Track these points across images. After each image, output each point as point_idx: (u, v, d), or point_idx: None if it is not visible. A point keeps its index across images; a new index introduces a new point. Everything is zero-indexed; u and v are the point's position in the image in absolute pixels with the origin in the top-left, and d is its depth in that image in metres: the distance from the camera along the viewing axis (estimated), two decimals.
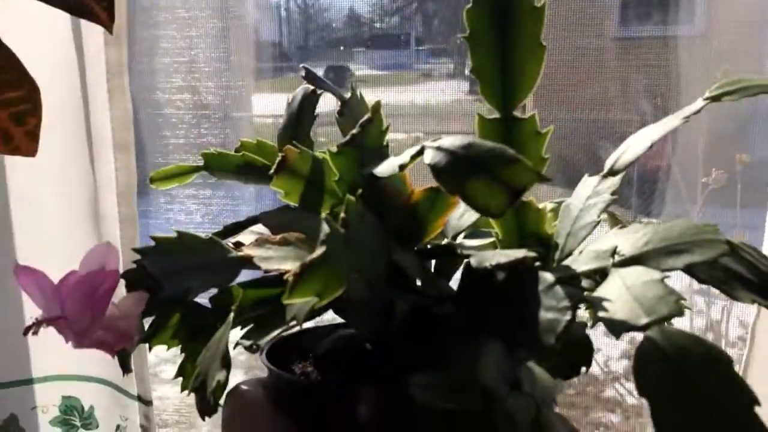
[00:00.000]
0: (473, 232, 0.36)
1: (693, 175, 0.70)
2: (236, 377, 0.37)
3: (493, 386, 0.24)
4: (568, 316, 0.24)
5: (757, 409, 0.22)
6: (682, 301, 0.25)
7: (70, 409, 0.68)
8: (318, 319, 0.39)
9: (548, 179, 0.24)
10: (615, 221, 0.40)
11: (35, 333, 0.30)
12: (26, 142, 0.32)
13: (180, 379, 0.38)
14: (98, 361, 0.67)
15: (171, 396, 0.83)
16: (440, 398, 0.23)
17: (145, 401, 0.68)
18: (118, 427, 0.69)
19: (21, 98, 0.31)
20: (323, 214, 0.34)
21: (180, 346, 0.37)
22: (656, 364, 0.23)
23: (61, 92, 0.60)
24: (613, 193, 0.33)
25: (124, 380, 0.68)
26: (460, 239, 0.36)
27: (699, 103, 0.33)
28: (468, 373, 0.24)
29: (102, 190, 0.64)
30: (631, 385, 0.76)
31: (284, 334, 0.39)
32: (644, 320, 0.24)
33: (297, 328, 0.40)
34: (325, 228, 0.24)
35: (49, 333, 0.65)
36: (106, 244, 0.32)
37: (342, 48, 0.91)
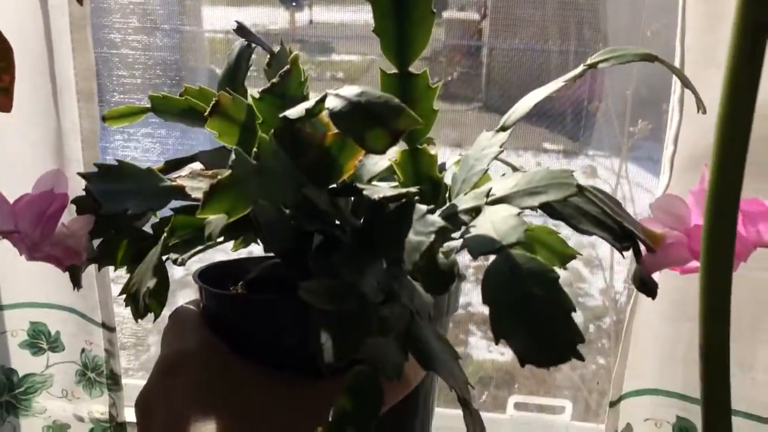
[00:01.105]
0: (385, 177, 0.41)
1: (623, 120, 0.77)
2: None
3: (368, 292, 0.28)
4: (431, 238, 0.28)
5: (573, 315, 0.27)
6: (530, 231, 0.29)
7: (37, 333, 0.72)
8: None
9: (421, 123, 0.28)
10: (515, 169, 0.45)
11: None
12: (1, 98, 0.34)
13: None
14: (64, 291, 0.71)
15: (128, 321, 0.88)
16: (322, 300, 0.28)
17: (108, 327, 0.72)
18: (83, 350, 0.73)
19: None
20: None
21: (126, 267, 0.42)
22: (498, 277, 0.28)
23: (26, 44, 0.63)
24: (501, 146, 0.37)
25: (89, 308, 0.72)
26: (374, 183, 0.41)
27: (580, 68, 0.37)
28: (349, 281, 0.29)
29: (67, 136, 0.68)
30: None
31: (219, 262, 0.44)
32: (497, 245, 0.29)
33: (232, 257, 0.45)
34: (233, 156, 0.28)
35: (17, 266, 0.68)
36: (56, 170, 0.36)
37: None
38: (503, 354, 0.99)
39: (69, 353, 0.73)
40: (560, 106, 0.90)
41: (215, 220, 0.30)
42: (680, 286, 0.57)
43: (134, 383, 0.87)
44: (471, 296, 0.98)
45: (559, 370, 0.94)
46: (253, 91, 0.35)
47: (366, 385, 0.28)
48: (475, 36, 0.98)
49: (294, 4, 0.97)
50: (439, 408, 0.70)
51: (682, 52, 0.58)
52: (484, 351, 0.98)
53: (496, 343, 0.27)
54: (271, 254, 0.42)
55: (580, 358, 0.26)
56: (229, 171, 0.28)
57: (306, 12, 0.99)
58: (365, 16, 0.87)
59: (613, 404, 0.67)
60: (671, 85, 0.62)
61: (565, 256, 0.43)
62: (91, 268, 0.67)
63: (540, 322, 0.27)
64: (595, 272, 1.03)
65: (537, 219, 0.42)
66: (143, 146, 0.89)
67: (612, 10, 0.83)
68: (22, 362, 0.73)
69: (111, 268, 0.41)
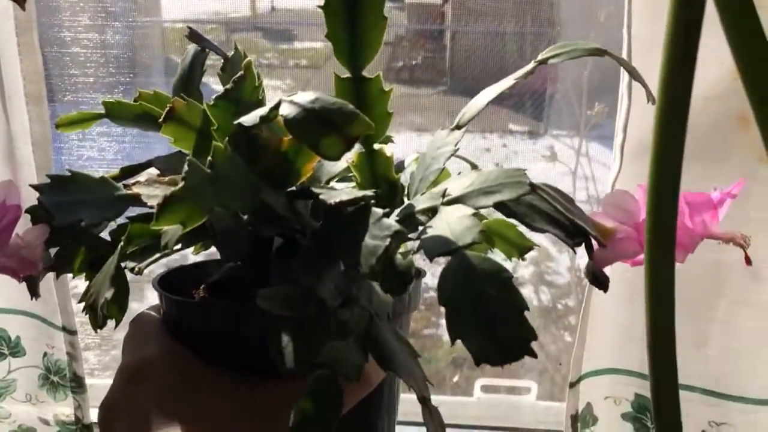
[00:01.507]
0: (345, 176, 0.41)
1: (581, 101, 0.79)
2: None
3: (326, 297, 0.28)
4: (386, 243, 0.28)
5: (526, 313, 0.28)
6: (488, 225, 0.30)
7: None
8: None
9: (374, 129, 0.29)
10: (473, 166, 0.45)
11: None
12: None
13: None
14: (23, 296, 0.70)
15: None
16: (280, 307, 0.28)
17: (69, 331, 0.71)
18: (45, 354, 0.72)
19: None
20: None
21: (84, 274, 0.41)
22: (454, 278, 0.28)
23: None
24: (456, 144, 0.38)
25: (49, 312, 0.71)
26: (332, 183, 0.41)
27: (531, 65, 0.38)
28: (308, 286, 0.29)
29: (17, 139, 0.66)
30: None
31: (179, 266, 0.43)
32: (453, 246, 0.29)
33: (192, 261, 0.45)
34: (186, 167, 0.28)
35: None
36: (8, 181, 0.35)
37: None
38: None
39: (31, 358, 0.72)
40: (524, 88, 0.91)
41: (171, 229, 0.30)
42: (633, 271, 0.59)
43: (101, 383, 0.86)
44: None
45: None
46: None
47: (326, 388, 0.28)
48: (438, 20, 0.97)
49: None
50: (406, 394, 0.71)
51: (629, 40, 0.59)
52: None
53: (452, 344, 0.27)
54: None
55: (533, 355, 0.27)
56: (182, 182, 0.27)
57: None
58: None
59: (572, 385, 0.69)
60: (622, 71, 0.63)
61: (523, 247, 0.44)
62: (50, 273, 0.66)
63: (494, 322, 0.27)
64: (563, 250, 1.05)
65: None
66: (99, 145, 0.88)
67: None
68: None
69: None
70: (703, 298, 0.61)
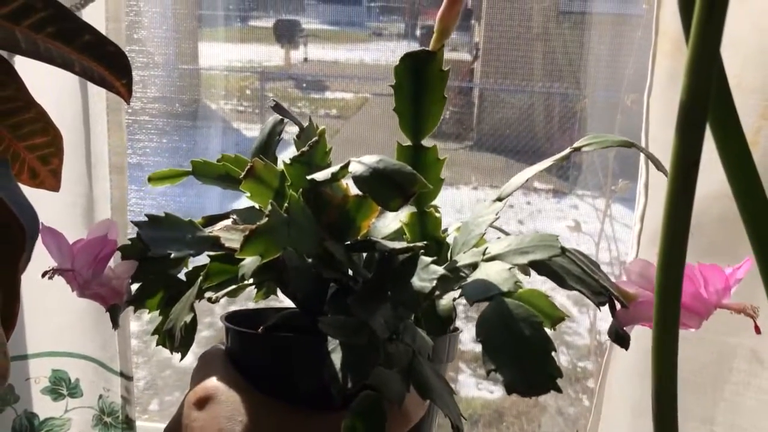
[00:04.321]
0: (394, 238, 0.45)
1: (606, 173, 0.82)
2: None
3: (377, 329, 0.32)
4: (433, 284, 0.32)
5: (553, 354, 0.31)
6: (519, 283, 0.33)
7: (58, 380, 0.75)
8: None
9: (430, 187, 0.33)
10: (505, 234, 0.49)
11: (50, 278, 0.38)
12: (50, 179, 0.37)
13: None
14: (85, 342, 0.74)
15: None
16: (338, 333, 0.31)
17: (126, 377, 0.75)
18: (100, 396, 0.76)
19: (47, 143, 0.36)
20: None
21: (158, 310, 0.45)
22: (490, 320, 0.31)
23: (64, 122, 0.70)
24: (496, 214, 0.42)
25: (108, 357, 0.75)
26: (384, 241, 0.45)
27: (567, 150, 0.42)
28: (362, 319, 0.32)
29: (98, 203, 0.73)
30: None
31: (242, 309, 0.47)
32: (492, 292, 0.33)
33: (253, 306, 0.48)
34: (269, 207, 0.32)
35: (42, 318, 0.72)
36: (109, 220, 0.40)
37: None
38: (492, 392, 0.99)
39: (87, 399, 0.75)
40: (551, 150, 0.94)
41: (248, 263, 0.34)
42: (647, 348, 0.60)
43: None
44: (461, 334, 0.99)
45: (545, 411, 0.95)
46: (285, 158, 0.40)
47: (372, 407, 0.31)
48: (466, 77, 1.00)
49: (289, 42, 1.00)
50: None
51: (647, 142, 0.63)
52: (474, 389, 0.99)
53: (488, 375, 0.30)
54: (286, 306, 0.46)
55: (558, 390, 0.29)
56: (266, 219, 0.32)
57: (301, 50, 1.01)
58: (359, 54, 0.89)
59: None
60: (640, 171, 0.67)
61: (555, 318, 0.46)
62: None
63: (526, 359, 0.30)
64: (583, 311, 1.05)
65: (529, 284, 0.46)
66: (158, 203, 0.95)
67: (594, 59, 0.86)
68: (43, 407, 0.75)
69: (131, 322, 0.45)
70: (712, 378, 0.63)
